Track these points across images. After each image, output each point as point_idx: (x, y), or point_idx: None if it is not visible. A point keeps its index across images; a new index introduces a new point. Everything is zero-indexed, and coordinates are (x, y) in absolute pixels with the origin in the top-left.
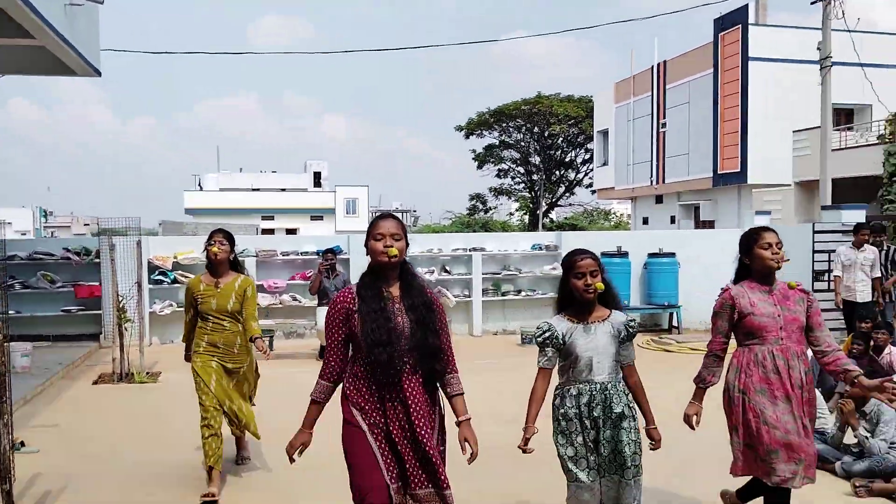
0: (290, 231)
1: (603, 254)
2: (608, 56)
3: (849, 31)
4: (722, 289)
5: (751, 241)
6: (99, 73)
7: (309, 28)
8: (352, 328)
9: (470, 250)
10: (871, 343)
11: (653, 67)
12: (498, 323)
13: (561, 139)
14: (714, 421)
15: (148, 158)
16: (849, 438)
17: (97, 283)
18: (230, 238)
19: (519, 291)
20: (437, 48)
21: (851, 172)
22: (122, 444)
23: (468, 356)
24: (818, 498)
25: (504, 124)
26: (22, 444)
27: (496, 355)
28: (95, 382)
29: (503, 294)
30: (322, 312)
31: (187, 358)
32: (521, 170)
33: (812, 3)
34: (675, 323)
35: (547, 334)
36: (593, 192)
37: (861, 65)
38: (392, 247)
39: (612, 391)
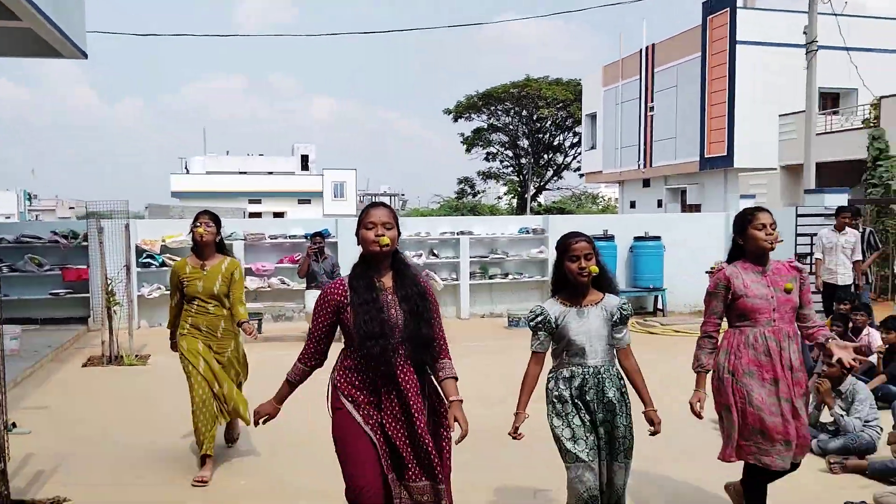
0: (278, 214)
1: None
2: (598, 39)
3: (835, 14)
4: (706, 271)
5: (745, 221)
6: (86, 56)
7: (294, 10)
8: (342, 320)
9: (458, 234)
10: (850, 324)
11: (641, 51)
12: (485, 306)
13: (549, 122)
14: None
15: (134, 141)
16: (825, 417)
17: (85, 267)
18: (216, 220)
19: (506, 275)
20: (424, 29)
21: (836, 156)
22: (112, 426)
23: (456, 339)
24: (793, 474)
25: (492, 107)
26: (14, 424)
27: (483, 338)
28: (85, 365)
29: (490, 277)
30: (311, 295)
31: (173, 347)
32: (510, 153)
33: None
34: (660, 306)
35: (539, 318)
36: (581, 175)
37: (847, 49)
38: (384, 235)
39: (605, 375)
